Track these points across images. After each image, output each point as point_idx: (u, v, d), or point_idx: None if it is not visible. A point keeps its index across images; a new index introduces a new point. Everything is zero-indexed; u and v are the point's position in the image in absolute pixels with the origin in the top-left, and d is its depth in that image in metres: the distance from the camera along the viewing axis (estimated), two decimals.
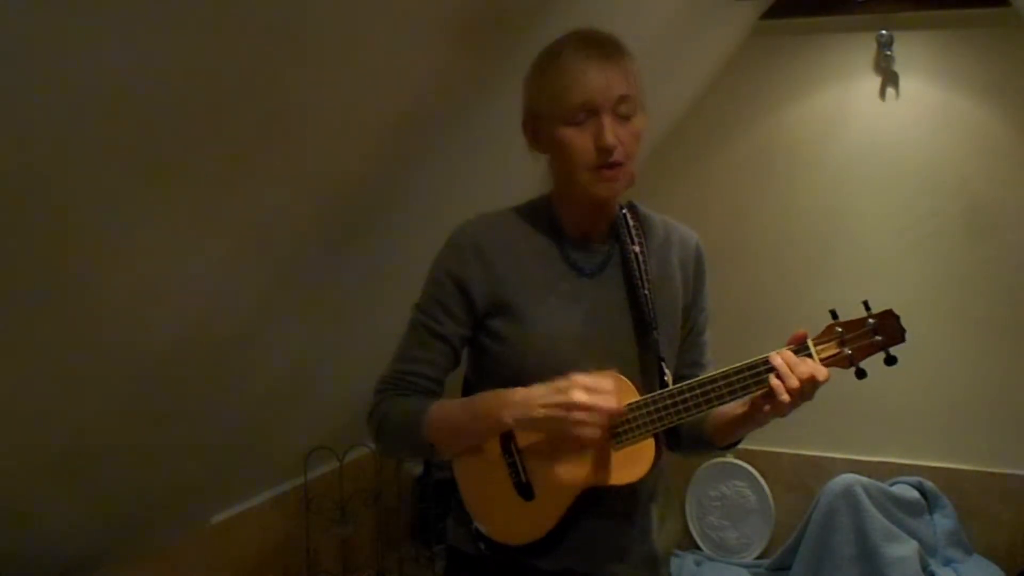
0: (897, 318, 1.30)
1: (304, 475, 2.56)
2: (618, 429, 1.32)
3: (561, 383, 1.27)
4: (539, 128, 1.37)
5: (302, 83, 1.44)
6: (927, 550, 2.83)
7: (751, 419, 1.34)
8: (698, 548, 3.24)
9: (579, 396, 1.25)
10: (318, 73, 1.45)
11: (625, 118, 1.32)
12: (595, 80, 1.30)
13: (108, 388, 1.60)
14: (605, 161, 1.31)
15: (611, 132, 1.30)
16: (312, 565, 2.63)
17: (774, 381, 1.25)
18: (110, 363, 1.56)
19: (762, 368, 1.27)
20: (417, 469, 2.90)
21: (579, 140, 1.31)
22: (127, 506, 1.92)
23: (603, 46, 1.33)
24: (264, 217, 1.62)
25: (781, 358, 1.26)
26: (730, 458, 3.21)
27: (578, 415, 1.24)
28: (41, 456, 1.59)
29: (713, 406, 1.30)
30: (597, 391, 1.26)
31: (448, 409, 1.36)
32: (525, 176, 2.30)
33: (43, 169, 1.15)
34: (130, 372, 1.62)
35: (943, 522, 2.92)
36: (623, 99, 1.31)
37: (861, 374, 1.30)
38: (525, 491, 1.35)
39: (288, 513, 2.55)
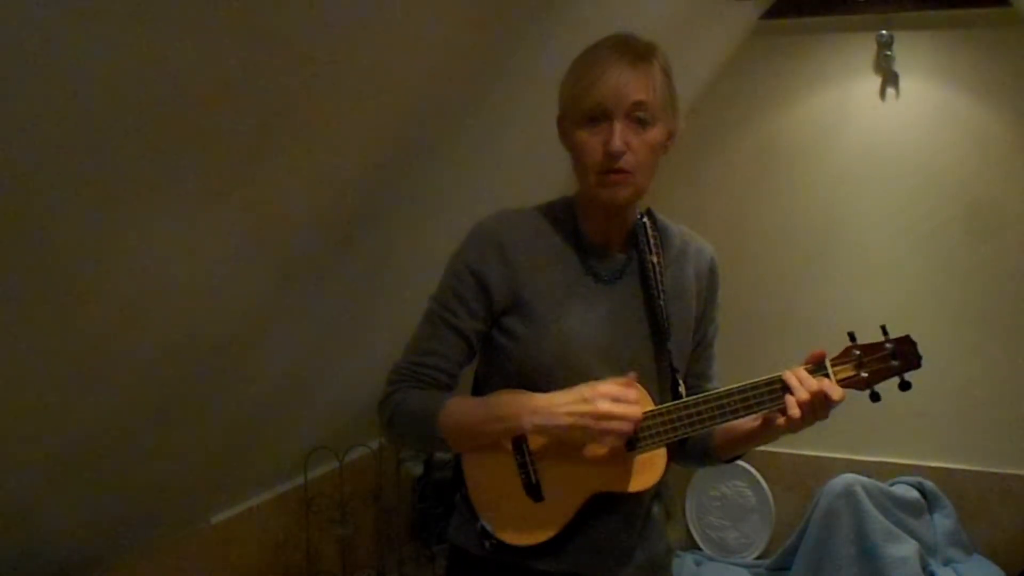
0: (914, 344, 1.32)
1: (304, 475, 2.55)
2: (633, 436, 1.33)
3: (585, 391, 1.28)
4: (564, 126, 1.38)
5: (303, 80, 1.43)
6: (927, 550, 2.83)
7: (760, 434, 1.36)
8: (698, 548, 3.24)
9: (605, 406, 1.26)
10: (320, 69, 1.44)
11: (641, 126, 1.31)
12: (611, 82, 1.29)
13: (108, 388, 1.60)
14: (611, 166, 1.31)
15: (620, 137, 1.29)
16: (312, 565, 2.62)
17: (787, 396, 1.28)
18: (110, 363, 1.55)
19: (777, 385, 1.29)
20: (417, 469, 2.90)
21: (590, 142, 1.32)
22: (127, 506, 1.91)
23: (630, 50, 1.32)
24: (265, 217, 1.62)
25: (793, 374, 1.29)
26: None
27: (604, 424, 1.26)
28: (41, 456, 1.59)
29: (728, 419, 1.32)
30: (622, 400, 1.27)
31: (464, 407, 1.36)
32: (531, 179, 2.31)
33: (42, 169, 1.15)
34: (130, 372, 1.62)
35: (943, 522, 2.92)
36: (639, 105, 1.30)
37: (875, 397, 1.32)
38: (534, 492, 1.35)
39: (288, 513, 2.55)
